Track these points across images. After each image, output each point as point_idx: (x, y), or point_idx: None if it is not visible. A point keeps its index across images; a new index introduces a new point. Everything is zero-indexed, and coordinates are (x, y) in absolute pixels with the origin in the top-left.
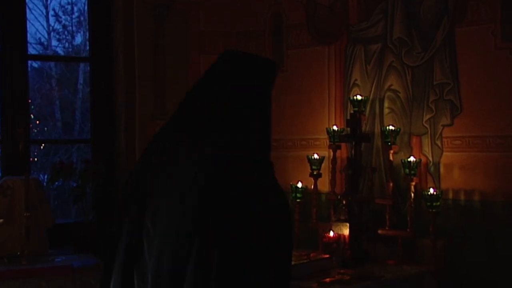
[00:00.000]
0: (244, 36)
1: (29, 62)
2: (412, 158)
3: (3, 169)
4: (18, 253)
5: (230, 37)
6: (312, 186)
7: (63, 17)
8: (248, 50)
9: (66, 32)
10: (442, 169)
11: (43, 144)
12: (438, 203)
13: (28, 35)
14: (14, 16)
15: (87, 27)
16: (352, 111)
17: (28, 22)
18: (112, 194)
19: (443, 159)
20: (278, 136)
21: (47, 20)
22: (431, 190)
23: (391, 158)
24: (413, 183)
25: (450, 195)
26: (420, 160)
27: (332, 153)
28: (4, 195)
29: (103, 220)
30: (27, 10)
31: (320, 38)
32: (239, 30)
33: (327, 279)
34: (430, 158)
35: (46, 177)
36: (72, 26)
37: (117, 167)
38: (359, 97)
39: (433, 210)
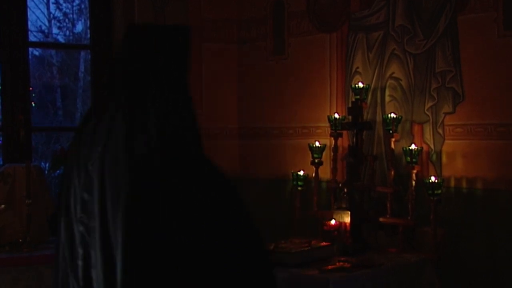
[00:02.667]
0: (246, 23)
1: (30, 49)
2: (413, 146)
3: (4, 157)
4: (20, 241)
5: (231, 25)
6: (314, 174)
7: (63, 4)
8: (250, 38)
9: (67, 20)
10: (443, 157)
11: (44, 132)
12: (439, 191)
13: (29, 22)
14: (15, 4)
15: (88, 15)
16: (353, 99)
17: (28, 9)
18: None
19: (444, 147)
20: (279, 124)
21: (48, 8)
22: (432, 178)
23: (392, 146)
24: (415, 171)
25: (452, 184)
26: (422, 148)
27: (333, 141)
28: (5, 183)
29: None
30: None
31: (322, 26)
32: (241, 17)
33: (328, 267)
34: (432, 146)
35: (47, 165)
36: (73, 14)
37: None
38: (360, 85)
39: (434, 198)
